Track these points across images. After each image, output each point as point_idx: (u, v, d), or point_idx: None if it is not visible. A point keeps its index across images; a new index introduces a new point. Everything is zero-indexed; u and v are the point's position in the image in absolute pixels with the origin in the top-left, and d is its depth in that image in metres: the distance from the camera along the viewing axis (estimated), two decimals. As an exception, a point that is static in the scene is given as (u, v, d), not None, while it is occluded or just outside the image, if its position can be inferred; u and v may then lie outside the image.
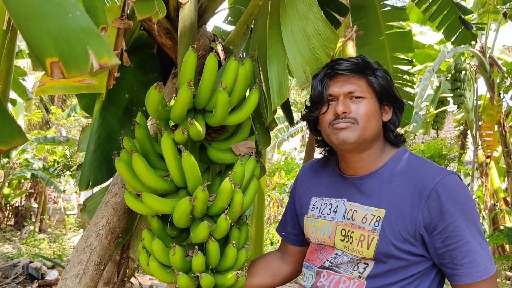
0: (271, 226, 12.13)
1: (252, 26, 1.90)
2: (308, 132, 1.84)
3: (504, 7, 8.01)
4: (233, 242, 1.48)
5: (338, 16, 2.21)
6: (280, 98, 1.65)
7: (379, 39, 3.82)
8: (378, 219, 1.36)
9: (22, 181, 13.94)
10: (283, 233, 1.75)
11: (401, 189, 1.37)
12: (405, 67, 4.21)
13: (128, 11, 1.71)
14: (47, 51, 0.71)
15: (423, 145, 10.50)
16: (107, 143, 1.83)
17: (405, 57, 4.25)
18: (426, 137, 13.43)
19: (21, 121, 12.17)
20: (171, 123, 1.58)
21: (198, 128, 1.41)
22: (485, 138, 9.66)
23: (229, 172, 1.44)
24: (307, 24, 1.51)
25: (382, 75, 1.45)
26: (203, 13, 1.89)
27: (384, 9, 3.86)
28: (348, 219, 1.43)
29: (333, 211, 1.49)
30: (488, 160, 9.87)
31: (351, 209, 1.44)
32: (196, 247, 1.42)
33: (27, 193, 14.78)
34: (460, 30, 4.57)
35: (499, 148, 9.89)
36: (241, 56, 2.02)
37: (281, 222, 1.78)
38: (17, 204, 14.77)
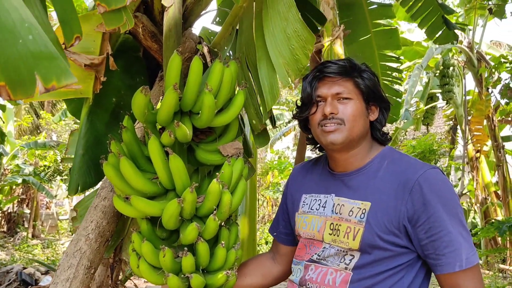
0: (266, 225, 12.15)
1: (237, 27, 1.91)
2: (300, 131, 1.91)
3: (490, 2, 8.11)
4: (223, 242, 1.49)
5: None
6: (272, 99, 1.68)
7: (367, 37, 3.85)
8: (364, 211, 1.40)
9: (14, 187, 13.83)
10: (275, 233, 1.78)
11: (386, 184, 1.42)
12: (393, 65, 4.26)
13: (113, 15, 1.72)
14: None
15: (414, 141, 10.57)
16: (95, 147, 1.84)
17: (393, 55, 4.30)
18: (417, 133, 13.53)
19: (11, 127, 12.08)
20: (159, 126, 1.60)
21: (184, 130, 1.42)
22: (475, 133, 9.75)
23: (217, 173, 1.45)
24: (287, 25, 1.53)
25: (368, 77, 1.50)
26: (188, 15, 1.90)
27: (371, 7, 3.90)
28: (336, 213, 1.48)
29: (322, 206, 1.53)
30: (478, 155, 9.96)
31: (338, 204, 1.48)
32: (186, 248, 1.43)
33: (19, 199, 14.67)
34: (442, 29, 4.64)
35: (489, 142, 9.99)
36: (229, 56, 2.03)
37: (273, 223, 1.81)
38: (9, 211, 14.65)
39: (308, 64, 3.26)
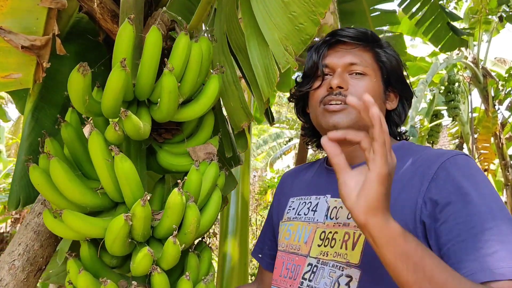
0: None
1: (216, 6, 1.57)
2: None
3: (495, 17, 7.94)
4: (187, 273, 1.12)
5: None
6: (269, 84, 1.31)
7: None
8: None
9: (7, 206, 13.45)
10: (259, 255, 1.41)
11: (399, 175, 1.03)
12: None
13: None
14: None
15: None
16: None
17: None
18: (421, 151, 13.23)
19: (2, 146, 11.75)
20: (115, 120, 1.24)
21: (134, 121, 1.07)
22: (482, 151, 9.46)
23: (178, 181, 1.09)
24: (284, -13, 1.18)
25: (391, 52, 1.18)
26: (159, -6, 1.57)
27: (374, 14, 3.80)
28: (332, 218, 1.11)
29: (312, 210, 1.17)
30: (485, 173, 9.64)
31: (335, 206, 1.12)
32: (134, 282, 1.06)
33: (12, 219, 14.27)
34: (448, 36, 4.49)
35: (496, 161, 9.70)
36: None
37: (258, 243, 1.45)
38: (1, 231, 14.19)
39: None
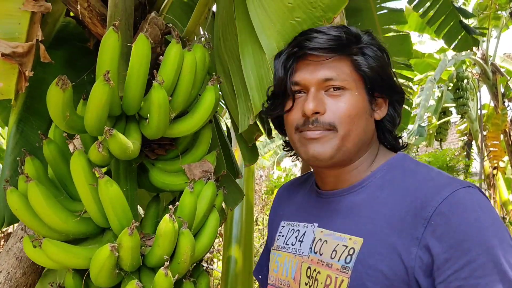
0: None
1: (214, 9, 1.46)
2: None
3: (504, 12, 7.81)
4: (182, 306, 1.01)
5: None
6: (261, 97, 1.19)
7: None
8: (352, 252, 0.92)
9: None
10: (259, 276, 1.31)
11: (389, 207, 0.92)
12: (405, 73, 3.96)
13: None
14: None
15: (429, 157, 10.12)
16: (27, 167, 1.39)
17: (404, 62, 4.00)
18: (429, 149, 13.07)
19: (8, 144, 11.76)
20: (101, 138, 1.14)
21: (120, 140, 0.96)
22: (491, 148, 9.33)
23: (170, 206, 0.98)
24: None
25: (374, 54, 1.00)
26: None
27: (381, 12, 3.68)
28: (315, 252, 1.00)
29: (299, 241, 1.06)
30: (495, 171, 9.52)
31: (320, 239, 1.00)
32: (121, 319, 0.96)
33: (18, 218, 14.31)
34: (461, 35, 4.34)
35: (506, 158, 9.56)
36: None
37: (259, 262, 1.34)
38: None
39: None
